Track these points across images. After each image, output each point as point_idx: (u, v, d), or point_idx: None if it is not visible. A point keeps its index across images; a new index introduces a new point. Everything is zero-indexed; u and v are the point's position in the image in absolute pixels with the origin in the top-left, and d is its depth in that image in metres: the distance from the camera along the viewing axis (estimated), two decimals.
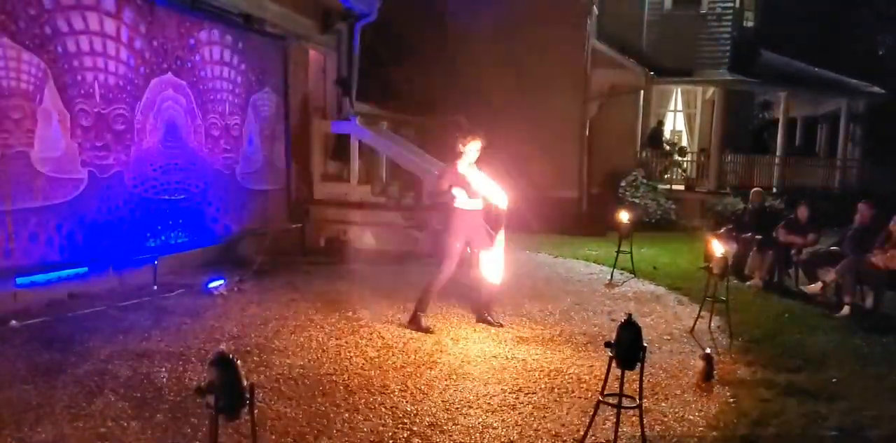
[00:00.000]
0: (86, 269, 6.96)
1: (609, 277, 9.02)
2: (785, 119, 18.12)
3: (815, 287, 8.07)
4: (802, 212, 8.94)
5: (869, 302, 7.51)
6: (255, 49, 8.73)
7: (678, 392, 4.88)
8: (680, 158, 17.74)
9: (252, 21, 9.03)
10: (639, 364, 3.64)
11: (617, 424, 3.75)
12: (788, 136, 18.64)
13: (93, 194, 6.42)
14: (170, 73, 7.30)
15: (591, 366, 5.35)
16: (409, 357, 5.45)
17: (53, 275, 6.60)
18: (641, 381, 3.76)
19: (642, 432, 3.85)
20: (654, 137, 17.56)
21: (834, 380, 5.29)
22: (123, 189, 6.77)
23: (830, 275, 7.75)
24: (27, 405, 4.22)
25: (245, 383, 2.95)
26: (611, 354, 3.67)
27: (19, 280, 6.26)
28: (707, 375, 5.05)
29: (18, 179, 5.70)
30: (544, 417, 4.34)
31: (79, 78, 6.23)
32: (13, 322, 5.83)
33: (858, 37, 24.78)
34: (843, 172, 18.57)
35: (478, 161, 6.29)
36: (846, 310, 7.31)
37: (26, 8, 5.71)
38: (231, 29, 8.30)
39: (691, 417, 4.44)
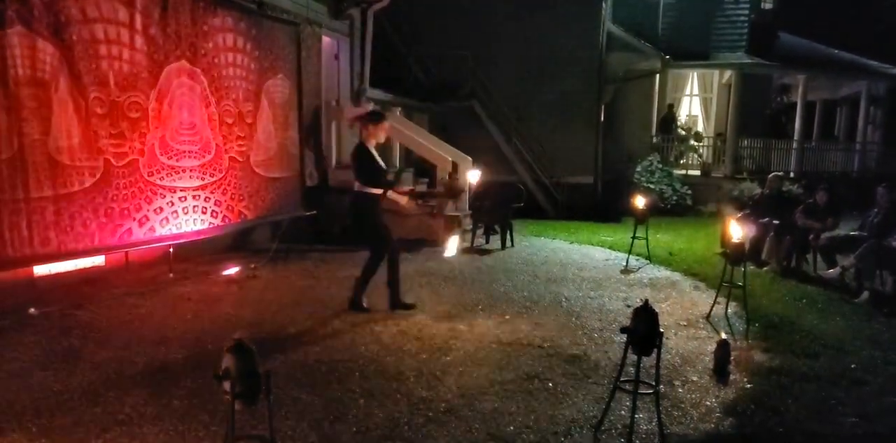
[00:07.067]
0: (102, 256, 7.01)
1: (624, 263, 8.99)
2: (803, 103, 17.91)
3: (833, 272, 8.00)
4: (821, 196, 8.85)
5: (888, 287, 7.45)
6: (269, 35, 8.69)
7: (695, 378, 4.85)
8: (696, 143, 17.61)
9: (265, 7, 9.01)
10: (655, 350, 3.62)
11: (633, 409, 3.75)
12: (807, 120, 18.43)
13: (108, 182, 6.44)
14: (184, 60, 7.28)
15: (607, 352, 5.33)
16: (423, 343, 5.45)
17: (70, 263, 6.65)
18: (658, 366, 3.75)
19: (659, 417, 3.84)
20: (666, 120, 17.43)
21: (853, 366, 5.25)
22: (138, 177, 6.79)
23: (849, 260, 7.68)
24: (46, 392, 4.26)
25: (261, 369, 2.98)
26: (627, 339, 3.66)
27: (37, 268, 6.31)
28: (723, 360, 5.02)
29: (35, 168, 5.72)
30: (561, 403, 4.33)
31: (93, 66, 6.22)
32: (31, 310, 5.90)
33: (879, 18, 24.40)
34: (862, 156, 18.37)
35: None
36: (865, 295, 7.26)
37: None
38: (244, 15, 8.26)
39: (708, 402, 4.42)
